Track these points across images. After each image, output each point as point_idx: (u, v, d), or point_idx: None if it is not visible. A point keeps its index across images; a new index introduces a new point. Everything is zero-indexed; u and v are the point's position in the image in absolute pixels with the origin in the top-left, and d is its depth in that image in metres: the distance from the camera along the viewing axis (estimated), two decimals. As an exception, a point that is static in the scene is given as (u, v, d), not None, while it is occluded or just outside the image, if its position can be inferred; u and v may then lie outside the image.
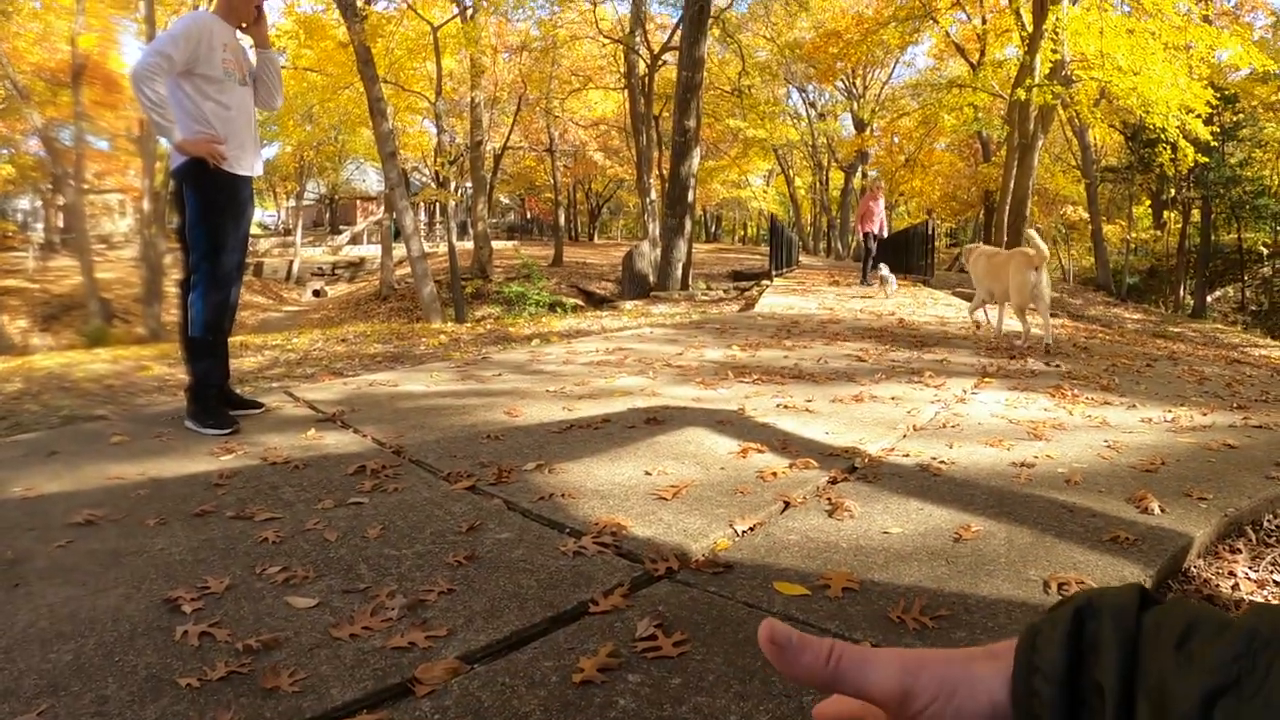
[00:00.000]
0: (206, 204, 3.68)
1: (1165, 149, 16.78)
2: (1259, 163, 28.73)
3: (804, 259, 34.99)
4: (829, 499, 2.73)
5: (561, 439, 3.56)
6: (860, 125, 37.17)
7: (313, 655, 1.85)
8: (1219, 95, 16.05)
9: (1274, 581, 2.35)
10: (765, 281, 17.34)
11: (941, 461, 3.17)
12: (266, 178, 45.93)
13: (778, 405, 4.18)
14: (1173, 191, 25.26)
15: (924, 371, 5.21)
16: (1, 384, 5.79)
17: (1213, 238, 31.01)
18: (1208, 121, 16.29)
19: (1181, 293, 30.79)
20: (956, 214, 34.83)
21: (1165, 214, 32.08)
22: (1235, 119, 24.25)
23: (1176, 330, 25.05)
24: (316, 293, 36.45)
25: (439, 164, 25.57)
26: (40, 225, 38.48)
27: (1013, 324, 7.43)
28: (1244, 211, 29.16)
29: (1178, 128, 15.42)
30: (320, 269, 39.42)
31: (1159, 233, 33.30)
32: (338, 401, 4.38)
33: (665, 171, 19.78)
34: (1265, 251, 31.02)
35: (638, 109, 22.33)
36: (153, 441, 3.61)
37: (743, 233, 68.28)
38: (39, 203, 38.38)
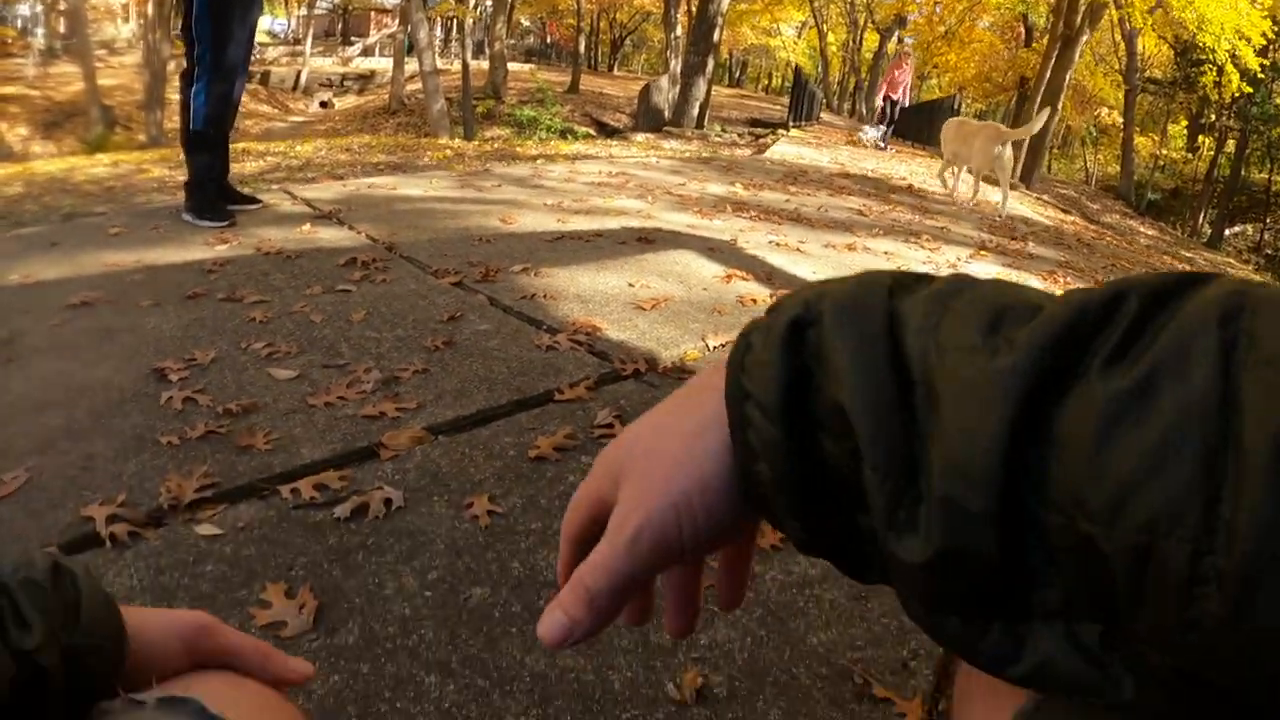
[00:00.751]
0: None
1: (1211, 70, 16.23)
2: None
3: (826, 116, 34.11)
4: None
5: (551, 247, 3.57)
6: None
7: (287, 419, 1.93)
8: (1277, 28, 15.41)
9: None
10: (781, 131, 16.96)
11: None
12: None
13: (770, 242, 4.17)
14: (1213, 117, 24.55)
15: (922, 235, 5.19)
16: (2, 187, 5.68)
17: (1243, 172, 30.43)
18: (1260, 52, 15.72)
19: (1200, 220, 30.44)
20: (988, 96, 33.81)
21: (1200, 138, 31.33)
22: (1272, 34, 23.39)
23: (1188, 255, 24.94)
24: (324, 104, 35.01)
25: None
26: (41, 31, 36.76)
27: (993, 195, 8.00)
28: (1278, 153, 28.57)
29: (1228, 51, 14.91)
30: (329, 80, 37.79)
31: (1190, 155, 32.62)
32: (335, 201, 4.33)
33: (694, 8, 19.00)
34: (1292, 199, 30.60)
35: None
36: (150, 233, 3.58)
37: (767, 82, 66.11)
38: (39, 8, 36.49)
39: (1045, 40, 19.59)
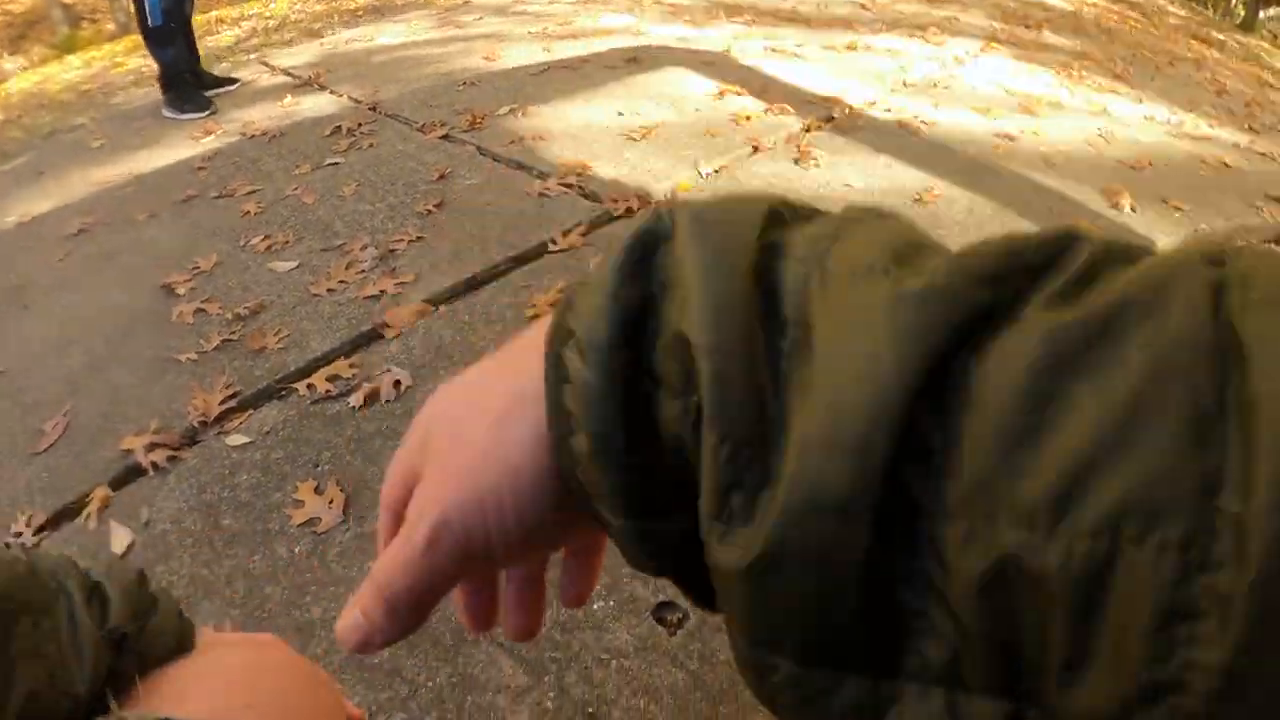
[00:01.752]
0: None
1: None
2: None
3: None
4: (798, 146, 2.77)
5: (537, 81, 3.48)
6: None
7: (294, 313, 2.01)
8: None
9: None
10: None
11: (923, 121, 3.16)
12: None
13: (766, 49, 4.02)
14: None
15: (929, 27, 4.95)
16: (-19, 115, 5.44)
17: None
18: None
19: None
20: None
21: None
22: None
23: (1220, 36, 23.71)
24: None
25: None
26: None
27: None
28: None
29: None
30: None
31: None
32: (314, 64, 4.18)
33: None
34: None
35: None
36: (133, 138, 3.51)
37: None
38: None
39: None
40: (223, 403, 1.73)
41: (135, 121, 3.78)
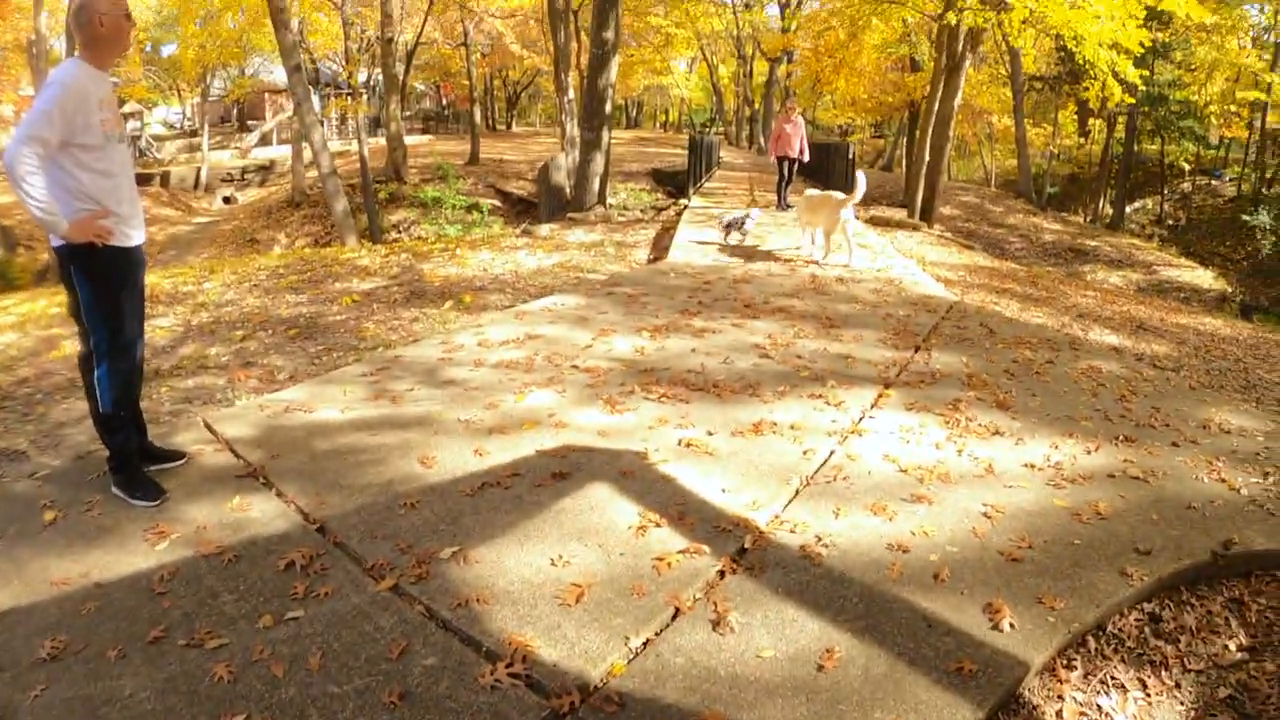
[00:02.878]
0: (100, 286, 3.62)
1: (1095, 84, 17.17)
2: (1187, 84, 29.66)
3: (725, 154, 35.02)
4: (716, 606, 3.07)
5: (474, 505, 3.80)
6: (784, 14, 37.08)
7: None
8: (1150, 9, 16.35)
9: (1097, 707, 2.80)
10: (683, 200, 17.52)
11: (824, 544, 3.52)
12: (169, 75, 44.35)
13: (680, 442, 4.47)
14: (1098, 105, 25.92)
15: (827, 379, 5.56)
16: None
17: (1136, 147, 32.14)
18: (1141, 64, 16.62)
19: (1101, 203, 32.01)
20: (883, 115, 35.21)
21: (1090, 122, 33.03)
22: (1168, 39, 24.80)
23: (1093, 243, 26.34)
24: (226, 199, 36.32)
25: (348, 70, 24.92)
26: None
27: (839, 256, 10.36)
28: (1169, 130, 30.29)
29: (1108, 65, 15.76)
30: (229, 174, 39.26)
31: (1082, 140, 34.33)
32: (256, 440, 4.49)
33: (583, 65, 19.53)
34: (1187, 168, 32.44)
35: (555, 5, 21.87)
36: (85, 518, 3.70)
37: (663, 118, 67.64)
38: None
39: (931, 62, 20.51)
40: None
41: (85, 493, 3.92)
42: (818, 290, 8.50)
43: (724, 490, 3.98)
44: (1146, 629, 3.26)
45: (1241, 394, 7.02)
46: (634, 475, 4.11)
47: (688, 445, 4.45)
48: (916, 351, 6.46)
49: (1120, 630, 3.23)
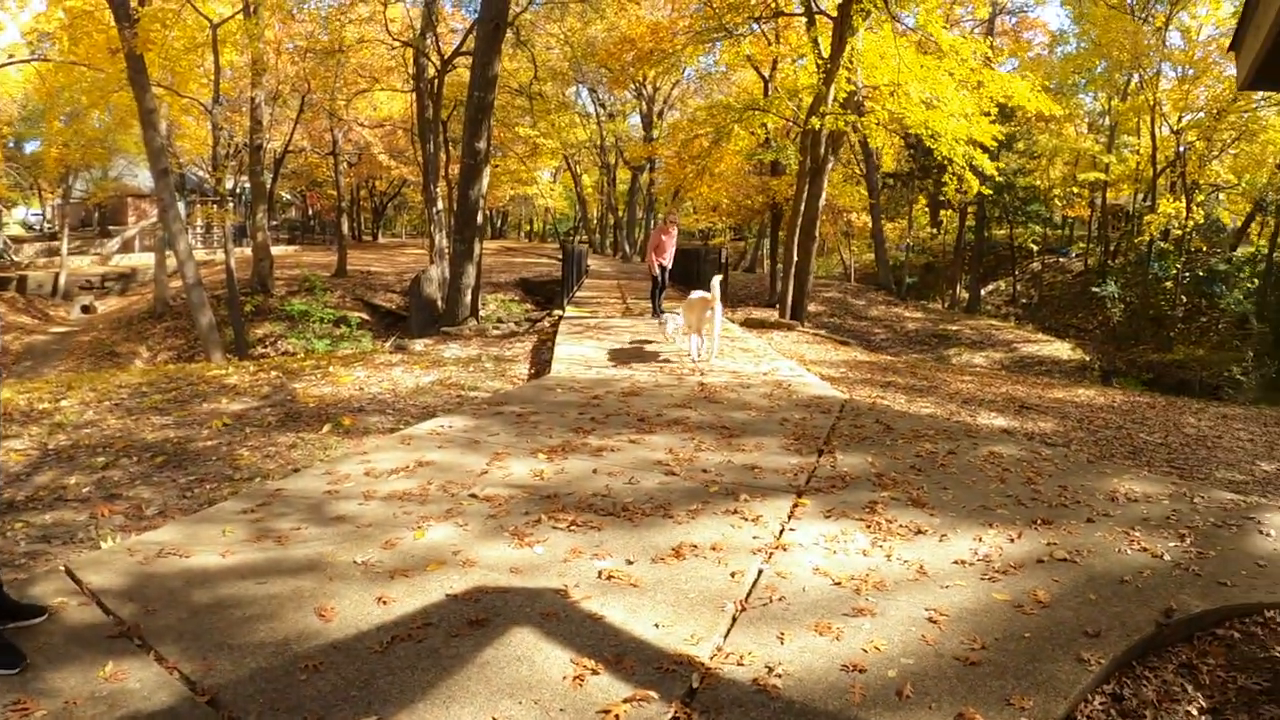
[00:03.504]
0: None
1: (952, 179, 18.17)
2: (1031, 170, 31.91)
3: (593, 262, 35.47)
4: None
5: (386, 664, 3.39)
6: (648, 124, 38.38)
7: None
8: (1000, 106, 17.50)
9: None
10: (557, 311, 17.46)
11: (776, 674, 3.28)
12: (29, 174, 42.54)
13: (600, 574, 4.18)
14: (957, 196, 27.57)
15: (739, 493, 5.39)
16: None
17: (986, 234, 34.16)
18: (993, 157, 17.69)
19: (958, 288, 33.68)
20: (744, 219, 36.47)
21: (942, 213, 35.02)
22: (1011, 131, 26.62)
23: (954, 328, 27.60)
24: (85, 308, 34.89)
25: (215, 177, 24.43)
26: None
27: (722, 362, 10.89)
28: (1016, 216, 32.41)
29: (964, 159, 16.67)
30: (89, 282, 37.67)
31: (935, 231, 36.30)
32: (127, 592, 3.94)
33: (453, 176, 19.61)
34: (1035, 248, 34.65)
35: (425, 115, 22.01)
36: None
37: (528, 228, 68.52)
38: None
39: (794, 165, 21.32)
40: None
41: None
42: (709, 399, 8.41)
43: (657, 625, 3.70)
44: (1113, 710, 3.26)
45: (1132, 459, 7.29)
46: (557, 616, 3.79)
47: (609, 577, 4.17)
48: (820, 455, 6.39)
49: (1089, 717, 3.18)
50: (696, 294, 11.05)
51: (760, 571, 4.27)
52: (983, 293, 34.72)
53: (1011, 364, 24.01)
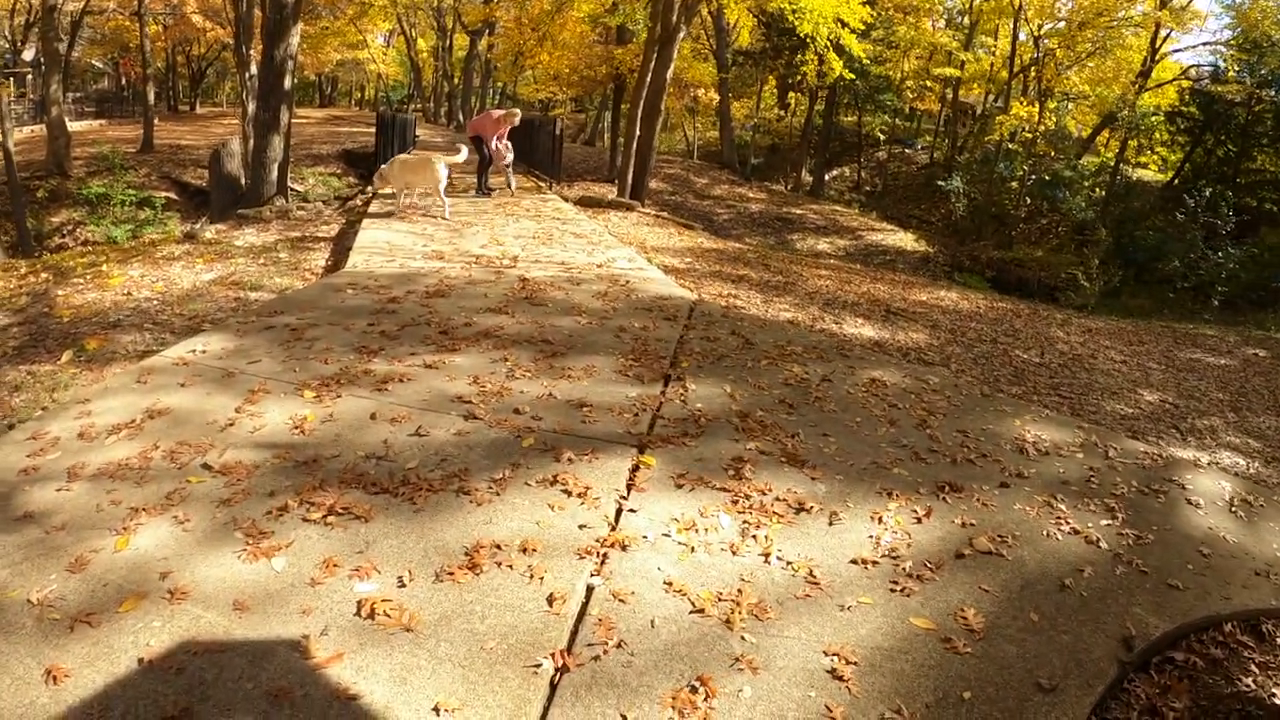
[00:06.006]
0: None
1: (812, 58, 16.87)
2: (885, 60, 31.09)
3: (423, 132, 32.88)
4: None
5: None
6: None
7: None
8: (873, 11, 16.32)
9: None
10: (369, 189, 15.47)
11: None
12: None
13: (360, 609, 2.80)
14: (816, 77, 26.52)
15: (561, 449, 4.03)
16: None
17: (834, 119, 33.43)
18: (862, 35, 16.53)
19: (802, 172, 32.96)
20: (586, 90, 34.36)
21: (790, 95, 33.94)
22: (870, 19, 25.68)
23: (798, 211, 26.81)
24: None
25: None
26: None
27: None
28: (866, 104, 31.70)
29: (830, 39, 15.43)
30: None
31: (783, 113, 35.26)
32: None
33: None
34: (882, 138, 34.18)
35: None
36: None
37: (359, 96, 63.79)
38: None
39: (643, 34, 19.64)
40: None
41: None
42: (531, 299, 6.91)
43: (438, 712, 2.38)
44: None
45: (1019, 385, 6.51)
46: (291, 698, 2.43)
47: (370, 614, 2.78)
48: (667, 384, 5.11)
49: None
50: (405, 158, 11.61)
51: (590, 591, 2.98)
52: (827, 178, 34.04)
53: (857, 252, 23.47)
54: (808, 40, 16.30)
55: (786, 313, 7.97)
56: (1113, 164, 28.73)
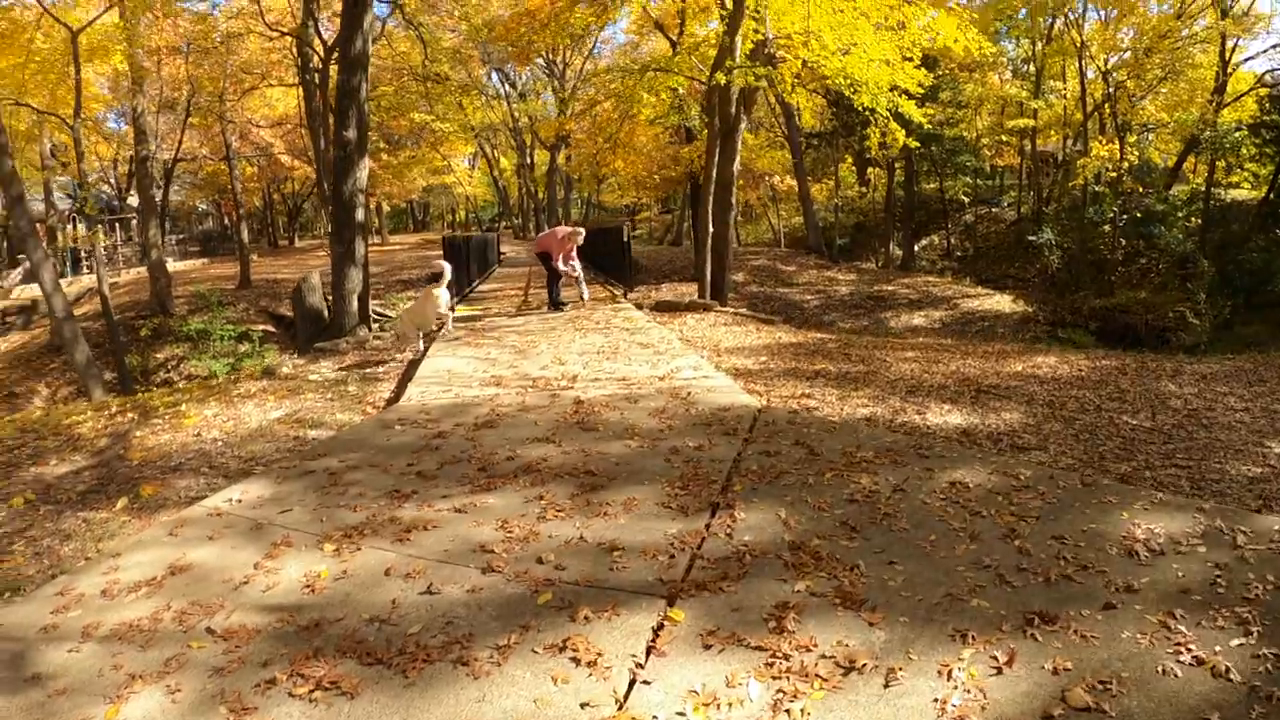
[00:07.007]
0: None
1: (875, 132, 16.47)
2: (958, 121, 30.60)
3: (509, 249, 33.50)
4: None
5: None
6: (561, 102, 36.64)
7: None
8: (921, 53, 15.89)
9: None
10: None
11: None
12: None
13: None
14: (879, 150, 26.15)
15: (579, 606, 3.55)
16: None
17: (916, 188, 32.77)
18: (920, 104, 16.10)
19: (890, 246, 32.25)
20: (666, 191, 34.67)
21: (869, 171, 33.50)
22: (935, 81, 25.31)
23: (890, 288, 26.07)
24: None
25: (81, 200, 22.15)
26: None
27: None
28: (945, 168, 31.05)
29: (889, 109, 15.03)
30: None
31: (864, 189, 34.80)
32: None
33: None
34: (966, 200, 33.32)
35: (313, 107, 19.98)
36: None
37: (450, 218, 66.00)
38: None
39: (705, 133, 19.68)
40: None
41: None
42: (583, 424, 6.49)
43: None
44: None
45: (1128, 462, 5.79)
46: None
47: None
48: (715, 514, 4.58)
49: None
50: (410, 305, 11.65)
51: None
52: (916, 249, 33.20)
53: (953, 322, 22.55)
54: (867, 114, 15.91)
55: (864, 408, 7.38)
56: (1204, 189, 27.40)
